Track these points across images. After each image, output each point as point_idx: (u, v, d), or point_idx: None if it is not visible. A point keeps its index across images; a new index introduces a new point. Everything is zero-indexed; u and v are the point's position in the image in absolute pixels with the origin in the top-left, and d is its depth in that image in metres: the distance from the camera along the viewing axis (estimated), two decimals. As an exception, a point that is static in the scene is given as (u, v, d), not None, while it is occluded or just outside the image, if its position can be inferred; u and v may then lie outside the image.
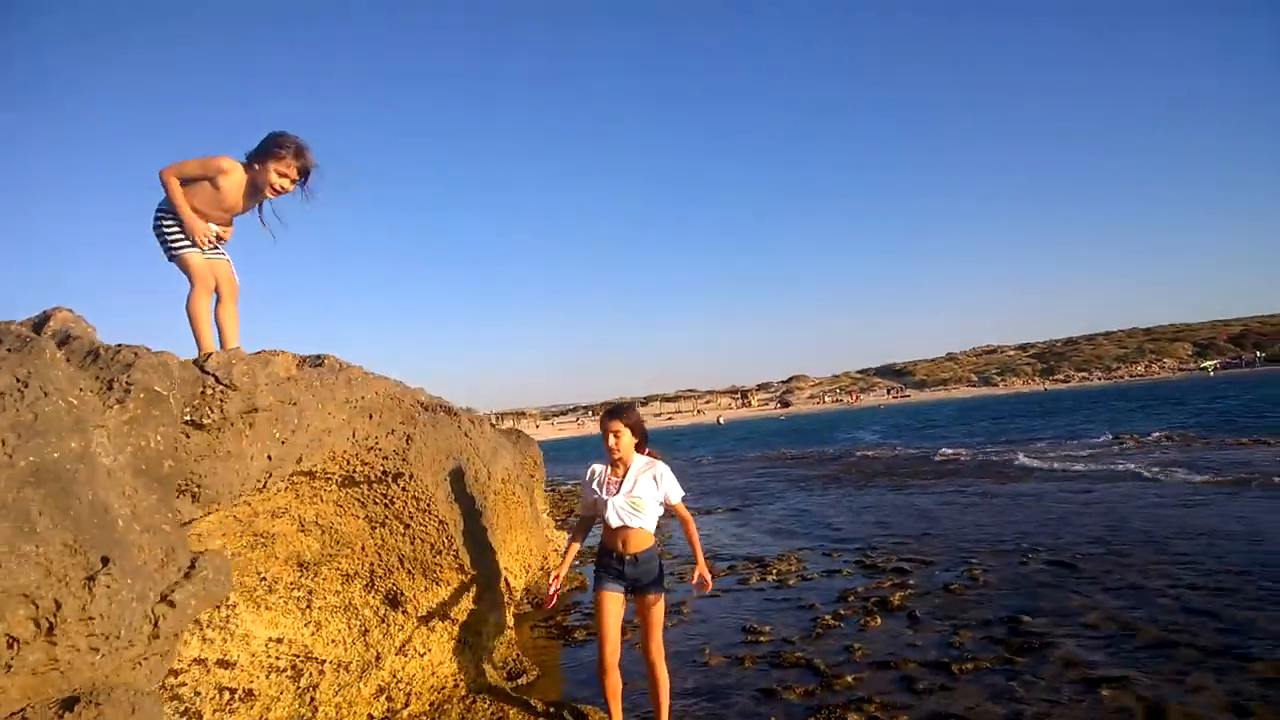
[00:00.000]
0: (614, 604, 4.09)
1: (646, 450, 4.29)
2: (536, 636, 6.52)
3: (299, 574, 4.13)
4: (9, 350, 1.84)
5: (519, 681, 5.14)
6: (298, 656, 4.23)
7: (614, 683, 4.12)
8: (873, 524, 10.92)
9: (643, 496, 4.08)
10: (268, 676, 4.13)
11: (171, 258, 3.68)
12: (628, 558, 4.07)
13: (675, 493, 4.21)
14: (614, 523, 4.08)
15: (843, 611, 6.46)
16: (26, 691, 1.84)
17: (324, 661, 4.27)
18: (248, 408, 2.88)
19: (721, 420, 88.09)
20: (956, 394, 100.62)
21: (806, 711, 4.47)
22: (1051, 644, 5.22)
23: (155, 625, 2.05)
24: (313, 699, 4.19)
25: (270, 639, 4.15)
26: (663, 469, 4.20)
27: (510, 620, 5.58)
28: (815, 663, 5.23)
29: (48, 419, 1.84)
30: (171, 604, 2.10)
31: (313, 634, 4.28)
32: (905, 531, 10.05)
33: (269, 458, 3.05)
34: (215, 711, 3.87)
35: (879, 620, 6.15)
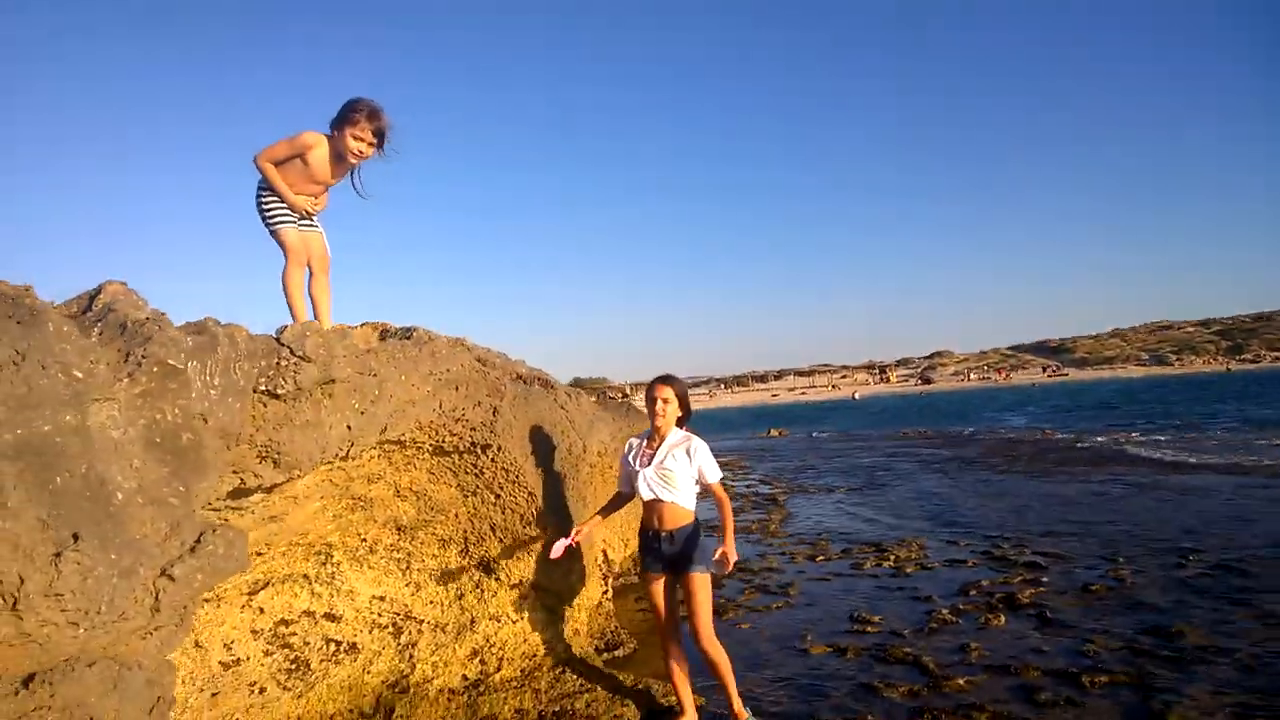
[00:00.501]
0: (659, 585, 4.06)
1: (685, 426, 4.16)
2: (640, 609, 6.49)
3: (397, 537, 4.26)
4: (17, 323, 1.90)
5: (615, 654, 5.13)
6: (398, 615, 4.39)
7: (675, 661, 4.05)
8: (1008, 512, 10.17)
9: (674, 470, 3.93)
10: (370, 632, 4.31)
11: (271, 232, 3.86)
12: (663, 534, 3.96)
13: (712, 472, 4.03)
14: (645, 495, 3.99)
15: (962, 606, 6.02)
16: (5, 662, 1.88)
17: (422, 621, 4.41)
18: (324, 379, 2.94)
19: (857, 396, 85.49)
20: (1123, 373, 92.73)
21: (909, 714, 4.17)
22: (1204, 661, 4.63)
23: (156, 599, 2.11)
24: (412, 656, 4.34)
25: (374, 596, 4.33)
26: (698, 444, 4.02)
27: (608, 592, 5.57)
28: (924, 660, 4.89)
29: (43, 392, 1.88)
30: (171, 578, 2.15)
31: (412, 594, 4.42)
32: (1044, 523, 9.29)
33: (348, 427, 3.12)
34: (321, 661, 4.08)
35: (1002, 619, 5.68)
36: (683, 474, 3.94)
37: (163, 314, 2.34)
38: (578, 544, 4.30)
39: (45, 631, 1.89)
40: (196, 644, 3.46)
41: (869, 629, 5.60)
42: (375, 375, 3.28)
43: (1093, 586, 6.37)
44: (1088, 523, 9.08)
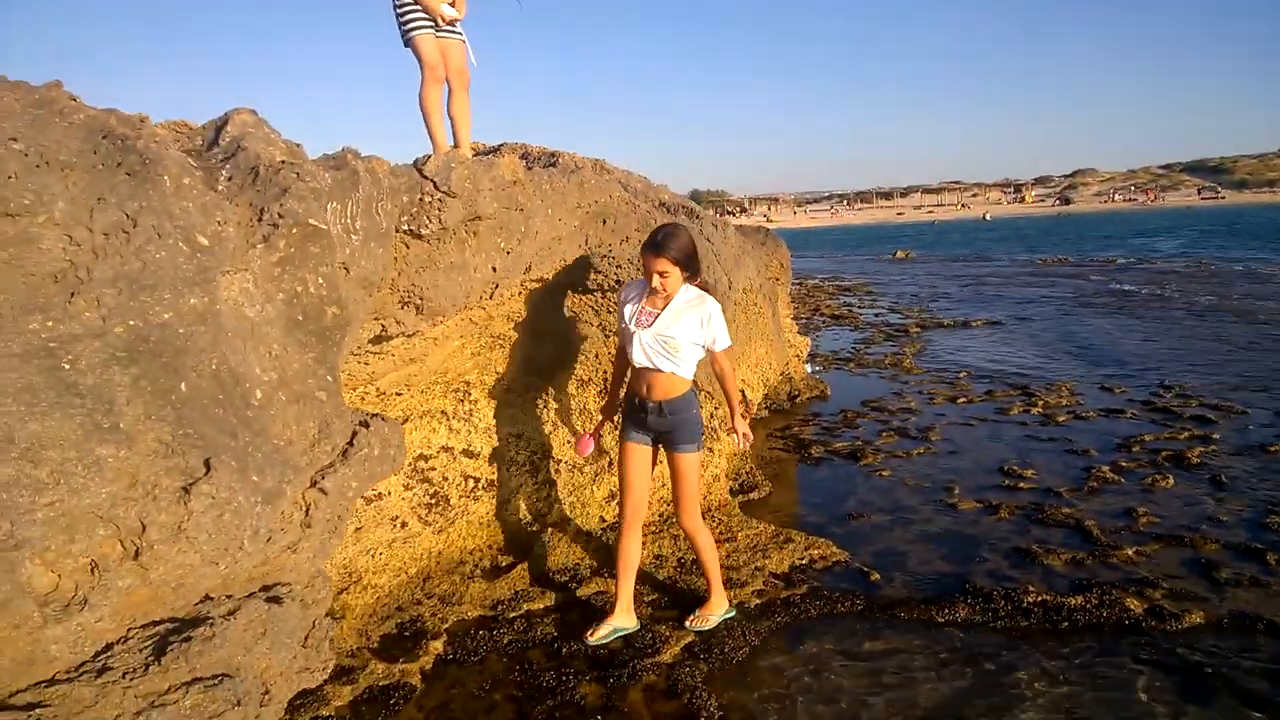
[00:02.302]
0: (638, 456, 3.46)
1: (699, 281, 3.41)
2: (773, 447, 6.33)
3: (534, 376, 4.11)
4: (126, 174, 1.51)
5: (750, 496, 5.01)
6: (535, 454, 4.33)
7: (628, 550, 3.50)
8: (1168, 356, 9.27)
9: (678, 337, 3.27)
10: (509, 470, 4.29)
11: (407, 43, 3.44)
12: (651, 404, 3.36)
13: (723, 339, 3.38)
14: (639, 361, 3.35)
15: (1124, 464, 5.53)
16: (133, 610, 1.61)
17: (560, 461, 4.34)
18: (470, 215, 2.62)
19: (988, 217, 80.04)
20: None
21: (1072, 586, 3.86)
22: None
23: (307, 514, 1.87)
24: (549, 495, 4.32)
25: (511, 434, 4.26)
26: (712, 307, 3.34)
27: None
28: (1087, 525, 4.52)
29: (160, 269, 1.53)
30: (324, 491, 1.90)
31: (549, 433, 4.34)
32: (1212, 369, 8.41)
33: (493, 269, 2.84)
34: (460, 497, 4.10)
35: (1170, 480, 5.18)
36: (688, 341, 3.31)
37: (299, 149, 1.99)
38: (601, 436, 3.82)
39: (178, 575, 1.62)
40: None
41: (1022, 485, 5.24)
42: (522, 210, 2.93)
43: (1271, 447, 5.73)
44: (1260, 372, 8.16)
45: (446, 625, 3.67)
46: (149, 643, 1.61)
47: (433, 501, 3.96)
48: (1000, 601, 3.70)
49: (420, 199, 2.42)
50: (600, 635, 3.44)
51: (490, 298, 3.02)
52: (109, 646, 1.60)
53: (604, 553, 4.17)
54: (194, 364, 1.64)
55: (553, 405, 4.26)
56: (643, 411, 3.39)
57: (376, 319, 2.48)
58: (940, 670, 3.25)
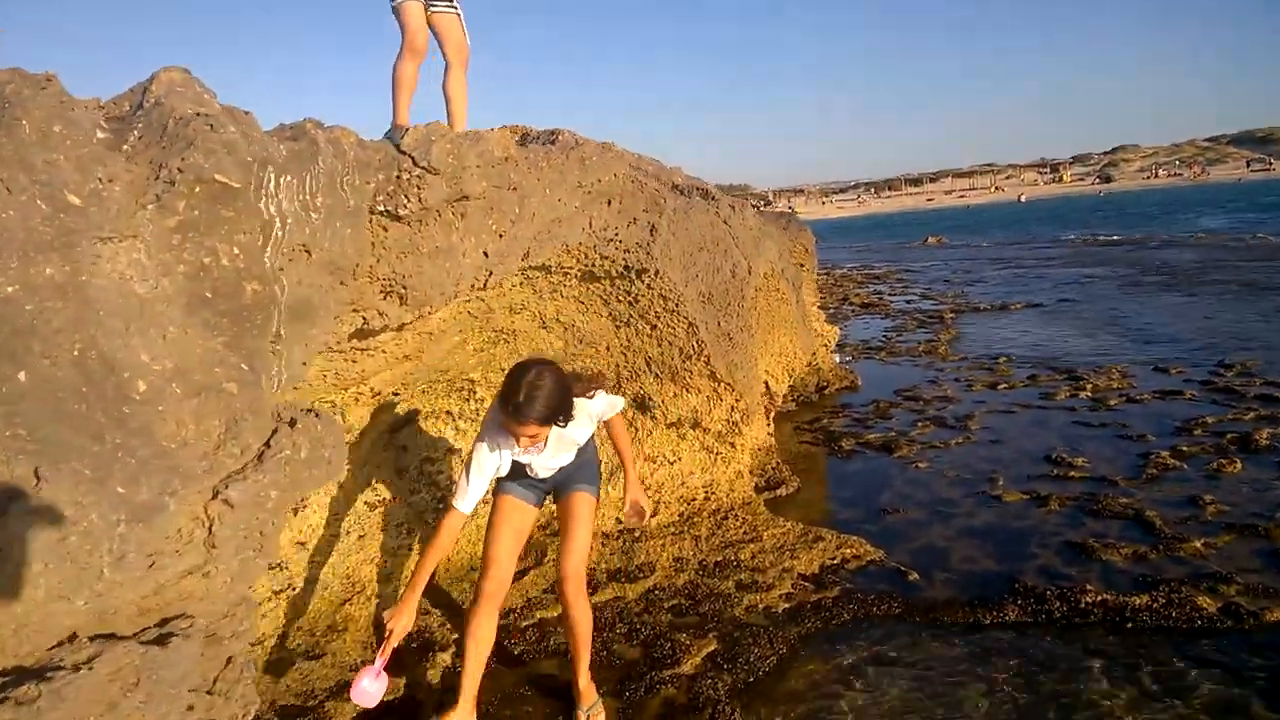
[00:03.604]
0: (517, 516, 2.85)
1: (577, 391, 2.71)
2: (801, 441, 6.03)
3: (544, 371, 3.89)
4: None
5: (777, 493, 4.73)
6: (548, 452, 4.11)
7: (479, 632, 2.72)
8: (1225, 334, 8.77)
9: (575, 434, 2.74)
10: (519, 469, 4.08)
11: (393, 10, 3.22)
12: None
13: (616, 403, 2.93)
14: (544, 475, 2.84)
15: (1185, 448, 5.14)
16: None
17: (574, 459, 4.12)
18: (455, 195, 2.39)
19: (1024, 198, 78.19)
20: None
21: (1135, 584, 3.53)
22: None
23: (210, 531, 1.57)
24: (563, 495, 4.10)
25: (521, 433, 4.05)
26: (596, 403, 2.80)
27: (770, 427, 5.11)
28: (1148, 515, 4.16)
29: (8, 233, 1.27)
30: (229, 503, 1.59)
31: (562, 430, 4.12)
32: (1274, 347, 7.92)
33: (485, 254, 2.60)
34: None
35: (1238, 465, 4.80)
36: (585, 432, 2.81)
37: (240, 112, 1.75)
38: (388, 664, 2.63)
39: (18, 614, 1.30)
40: (339, 485, 3.28)
41: (1072, 474, 4.88)
42: (515, 189, 2.69)
43: (1347, 428, 5.31)
44: (1334, 349, 7.66)
45: (455, 636, 3.48)
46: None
47: (440, 506, 3.75)
48: (1055, 602, 3.40)
49: (397, 176, 2.19)
50: None
51: (485, 286, 2.80)
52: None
53: (619, 556, 3.94)
54: (44, 348, 1.35)
55: (564, 401, 4.04)
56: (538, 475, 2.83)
57: (356, 310, 2.27)
58: (989, 679, 2.97)
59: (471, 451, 2.62)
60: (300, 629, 3.36)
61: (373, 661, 2.46)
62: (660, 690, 3.05)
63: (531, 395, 2.35)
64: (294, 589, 3.35)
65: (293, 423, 1.75)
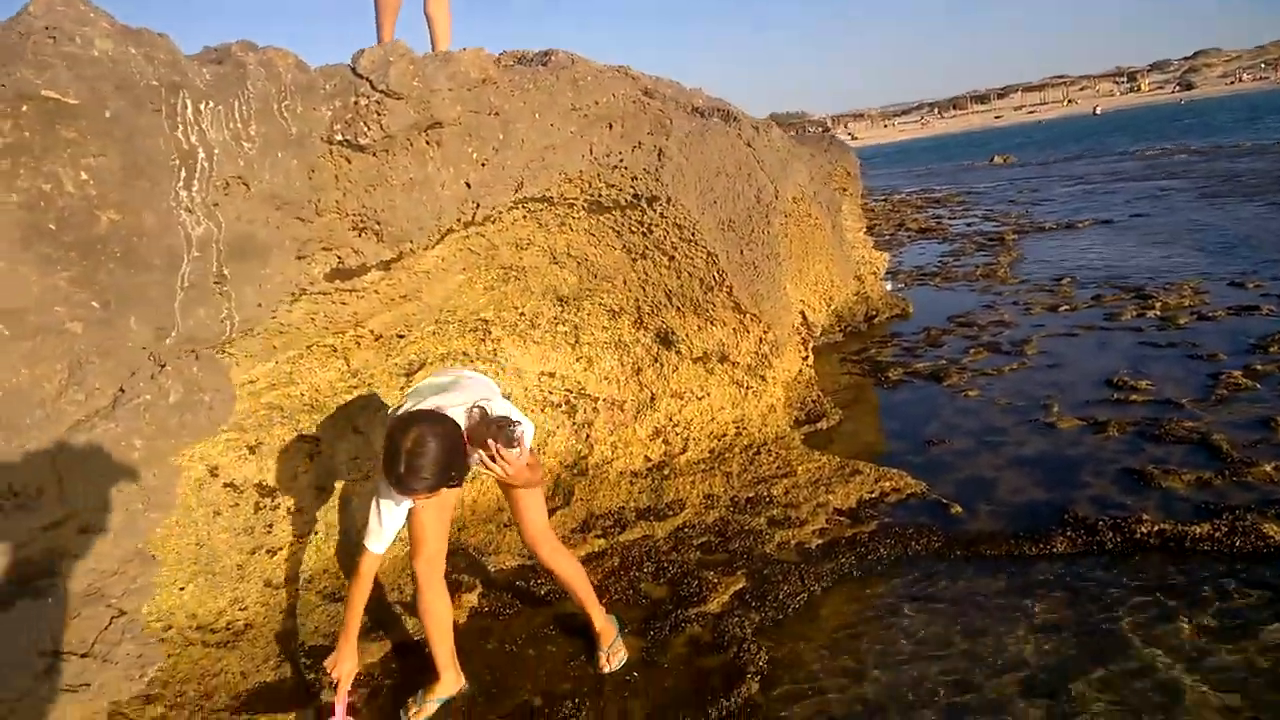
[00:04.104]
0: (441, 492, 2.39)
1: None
2: (846, 371, 5.80)
3: (560, 309, 3.75)
4: None
5: (816, 426, 4.54)
6: (571, 392, 4.01)
7: (433, 607, 2.65)
8: (1314, 243, 8.08)
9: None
10: (543, 410, 3.99)
11: None
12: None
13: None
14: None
15: (1259, 367, 4.73)
16: None
17: (598, 399, 4.01)
18: (425, 121, 2.24)
19: (1098, 110, 73.61)
20: None
21: (1196, 511, 3.26)
22: None
23: (60, 485, 1.41)
24: (589, 436, 4.01)
25: (542, 373, 3.95)
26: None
27: (808, 358, 4.90)
28: (1214, 439, 3.84)
29: None
30: (75, 454, 1.44)
31: (584, 370, 4.00)
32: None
33: (467, 185, 2.45)
34: (494, 442, 3.84)
35: (1319, 383, 4.41)
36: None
37: (148, 33, 1.60)
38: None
39: None
40: (355, 429, 3.24)
41: (1135, 397, 4.55)
42: (497, 114, 2.52)
43: None
44: None
45: (482, 576, 3.46)
46: None
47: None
48: (1107, 532, 3.17)
49: (355, 102, 2.05)
50: (427, 715, 2.62)
51: (475, 220, 2.66)
52: None
53: (649, 495, 3.84)
54: None
55: (583, 340, 3.91)
56: None
57: (328, 249, 2.16)
58: (1033, 615, 2.79)
59: (377, 490, 2.40)
60: (326, 573, 3.39)
61: (333, 709, 2.48)
62: (686, 629, 2.97)
63: (414, 465, 2.08)
64: (317, 534, 3.36)
65: (162, 365, 1.64)
